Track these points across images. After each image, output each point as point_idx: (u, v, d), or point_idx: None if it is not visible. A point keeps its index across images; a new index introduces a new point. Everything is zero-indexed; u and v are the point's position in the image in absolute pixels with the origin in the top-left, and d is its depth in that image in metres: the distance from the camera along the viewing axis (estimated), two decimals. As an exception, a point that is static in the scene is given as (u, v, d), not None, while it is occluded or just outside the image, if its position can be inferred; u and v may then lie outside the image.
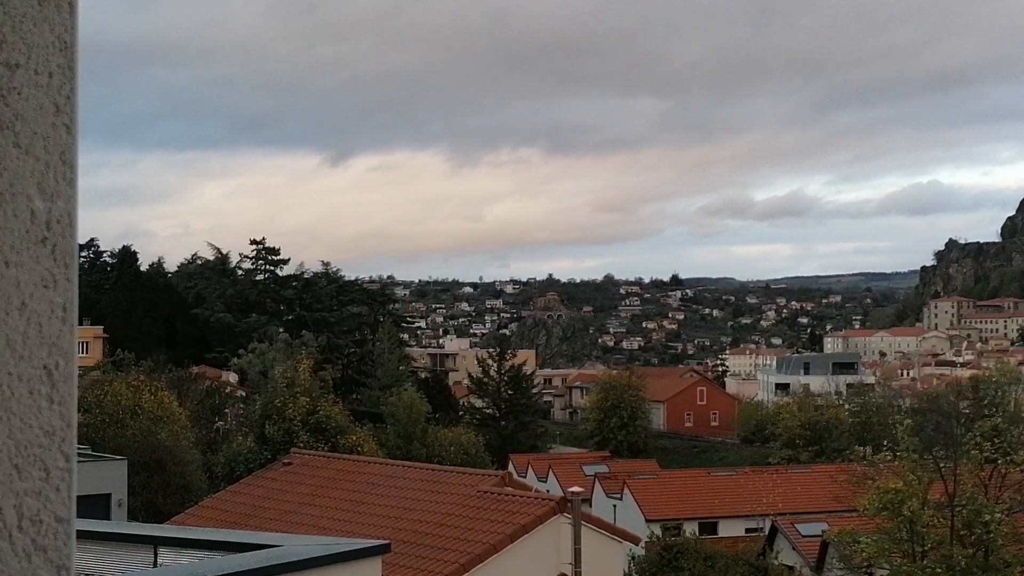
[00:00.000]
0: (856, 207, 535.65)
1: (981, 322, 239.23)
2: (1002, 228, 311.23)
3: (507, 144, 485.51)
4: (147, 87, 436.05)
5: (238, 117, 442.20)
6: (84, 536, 11.87)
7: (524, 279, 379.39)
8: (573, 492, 25.24)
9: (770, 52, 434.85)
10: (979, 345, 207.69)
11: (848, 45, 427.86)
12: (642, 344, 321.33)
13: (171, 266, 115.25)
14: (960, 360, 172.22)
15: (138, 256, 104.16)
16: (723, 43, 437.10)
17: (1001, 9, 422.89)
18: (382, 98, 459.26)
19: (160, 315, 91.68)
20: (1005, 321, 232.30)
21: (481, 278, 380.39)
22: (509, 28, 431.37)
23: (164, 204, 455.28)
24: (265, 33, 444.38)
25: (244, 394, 64.25)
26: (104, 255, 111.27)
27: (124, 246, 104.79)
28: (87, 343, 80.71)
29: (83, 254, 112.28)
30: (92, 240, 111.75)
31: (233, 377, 74.83)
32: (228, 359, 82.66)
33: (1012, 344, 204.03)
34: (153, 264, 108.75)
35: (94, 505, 30.23)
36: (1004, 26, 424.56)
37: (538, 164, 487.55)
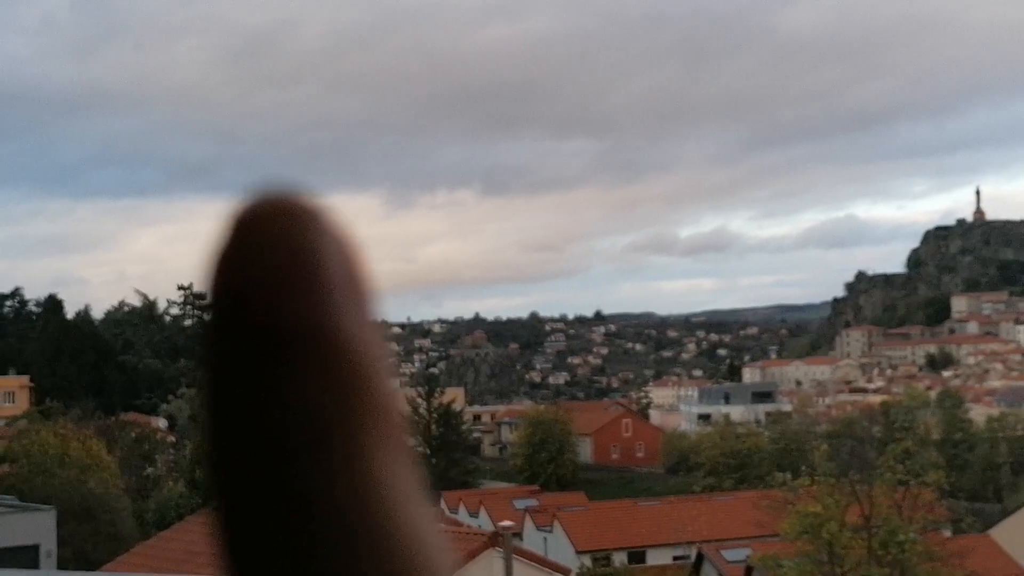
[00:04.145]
0: (776, 242, 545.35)
1: (891, 349, 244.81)
2: (907, 259, 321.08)
3: (443, 186, 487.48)
4: (87, 135, 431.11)
5: (178, 164, 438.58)
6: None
7: (452, 318, 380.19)
8: (504, 526, 25.87)
9: (700, 94, 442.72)
10: (889, 372, 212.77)
11: (775, 87, 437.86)
12: (568, 379, 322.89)
13: (99, 313, 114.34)
14: (872, 387, 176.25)
15: (63, 304, 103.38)
16: (656, 86, 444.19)
17: (918, 51, 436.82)
18: (322, 143, 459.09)
19: (87, 363, 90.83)
20: (913, 348, 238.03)
21: (409, 318, 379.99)
22: (448, 74, 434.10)
23: (99, 251, 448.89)
24: (208, 80, 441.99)
25: (174, 440, 63.91)
26: (29, 304, 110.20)
27: (50, 295, 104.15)
28: (13, 392, 79.53)
29: (8, 303, 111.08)
30: (17, 289, 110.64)
31: (163, 423, 74.28)
32: (157, 405, 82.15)
33: (920, 370, 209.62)
34: (79, 312, 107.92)
35: (23, 556, 30.09)
36: (921, 67, 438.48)
37: (472, 205, 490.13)
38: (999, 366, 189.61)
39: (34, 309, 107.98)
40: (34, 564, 30.57)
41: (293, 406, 0.66)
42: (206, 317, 0.67)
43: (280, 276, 0.67)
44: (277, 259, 0.68)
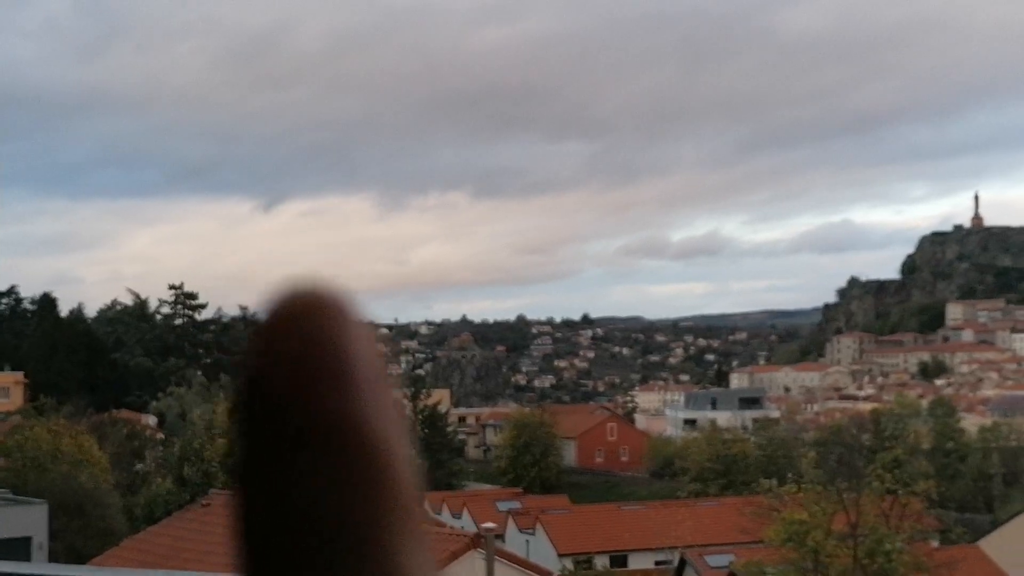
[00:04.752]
0: (769, 246, 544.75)
1: (882, 357, 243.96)
2: (901, 265, 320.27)
3: (436, 188, 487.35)
4: (88, 137, 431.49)
5: (176, 165, 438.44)
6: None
7: (439, 320, 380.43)
8: (487, 528, 26.10)
9: (697, 96, 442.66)
10: (880, 379, 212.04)
11: (772, 89, 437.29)
12: (554, 382, 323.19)
13: (92, 312, 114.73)
14: (862, 394, 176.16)
15: (57, 302, 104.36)
16: (652, 88, 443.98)
17: (919, 54, 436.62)
18: (317, 144, 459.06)
19: (80, 360, 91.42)
20: (905, 356, 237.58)
21: (397, 319, 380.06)
22: (444, 75, 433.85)
23: (96, 251, 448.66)
24: (207, 82, 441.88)
25: (163, 437, 64.14)
26: (24, 302, 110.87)
27: (44, 293, 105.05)
28: (7, 388, 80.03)
29: (3, 301, 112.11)
30: (12, 287, 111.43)
31: (152, 420, 74.49)
32: (147, 403, 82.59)
33: (912, 378, 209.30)
34: (73, 310, 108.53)
35: (15, 548, 30.27)
36: (921, 70, 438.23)
37: (465, 208, 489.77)
38: (993, 375, 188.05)
39: (29, 307, 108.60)
40: (26, 556, 30.74)
41: (319, 497, 0.69)
42: (235, 409, 0.71)
43: (308, 371, 0.71)
44: (304, 354, 0.71)
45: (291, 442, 0.70)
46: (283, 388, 0.71)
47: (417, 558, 0.71)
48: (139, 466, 54.26)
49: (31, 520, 32.68)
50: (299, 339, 0.72)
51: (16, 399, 73.60)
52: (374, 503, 0.71)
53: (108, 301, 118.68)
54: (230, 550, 0.66)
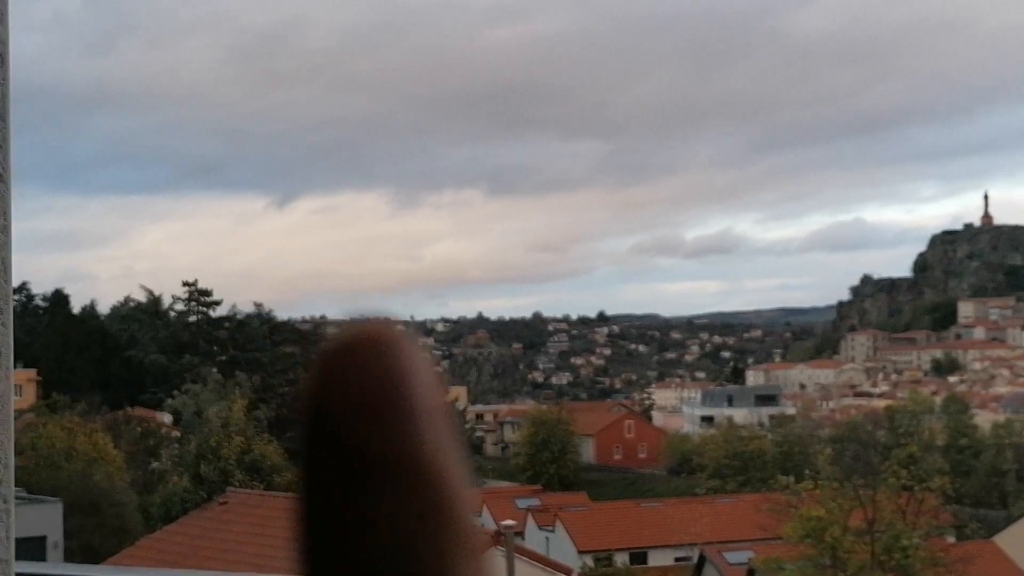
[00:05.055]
0: (783, 244, 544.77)
1: (895, 354, 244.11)
2: (913, 264, 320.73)
3: (450, 186, 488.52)
4: (98, 132, 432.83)
5: (187, 162, 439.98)
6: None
7: (455, 317, 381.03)
8: (506, 525, 25.98)
9: (709, 97, 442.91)
10: (894, 376, 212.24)
11: (784, 90, 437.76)
12: (571, 379, 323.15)
13: (105, 308, 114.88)
14: (876, 391, 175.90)
15: (69, 299, 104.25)
16: (664, 88, 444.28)
17: (929, 55, 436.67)
18: (330, 142, 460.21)
19: (93, 357, 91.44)
20: (918, 353, 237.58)
21: (412, 317, 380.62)
22: (456, 74, 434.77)
23: (107, 247, 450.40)
24: (218, 80, 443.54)
25: (179, 435, 64.18)
26: (36, 298, 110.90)
27: (56, 289, 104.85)
28: (21, 386, 79.81)
29: (16, 298, 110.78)
30: (24, 284, 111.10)
31: (167, 418, 74.53)
32: (162, 400, 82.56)
33: (925, 375, 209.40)
34: (86, 307, 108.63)
35: (30, 547, 30.25)
36: (931, 71, 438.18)
37: (479, 205, 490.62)
38: (1005, 372, 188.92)
39: (41, 303, 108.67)
40: (41, 555, 30.73)
41: (381, 530, 0.71)
42: (297, 437, 0.73)
43: (368, 405, 0.73)
44: (365, 389, 0.73)
45: (355, 476, 0.72)
46: (347, 422, 0.73)
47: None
48: (155, 464, 54.28)
49: (46, 519, 32.67)
50: (361, 373, 0.74)
51: (29, 397, 73.70)
52: (436, 532, 0.73)
53: (121, 298, 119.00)
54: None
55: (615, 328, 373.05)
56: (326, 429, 0.73)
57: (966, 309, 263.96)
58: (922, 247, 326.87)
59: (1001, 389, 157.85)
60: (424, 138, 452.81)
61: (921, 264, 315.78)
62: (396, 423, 0.73)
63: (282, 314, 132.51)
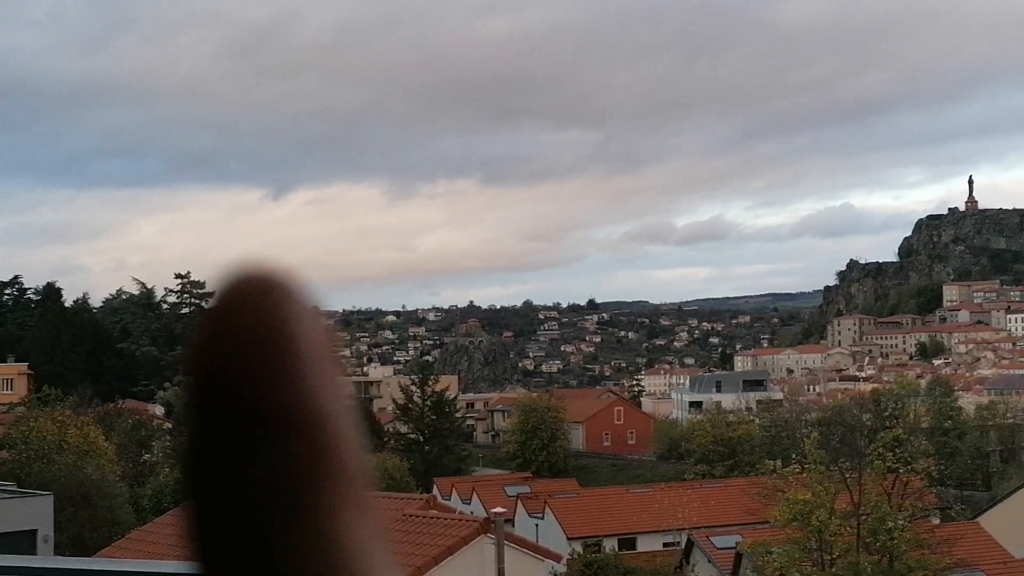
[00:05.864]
0: (772, 231, 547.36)
1: (881, 338, 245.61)
2: (899, 248, 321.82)
3: (444, 176, 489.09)
4: (91, 126, 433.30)
5: (179, 155, 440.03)
6: (9, 572, 12.46)
7: (446, 307, 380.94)
8: (496, 513, 26.17)
9: (698, 85, 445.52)
10: (880, 360, 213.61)
11: (772, 78, 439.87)
12: (561, 367, 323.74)
13: (97, 301, 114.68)
14: (863, 375, 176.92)
15: (62, 292, 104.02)
16: (653, 77, 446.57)
17: (914, 43, 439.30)
18: (323, 134, 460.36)
19: (85, 350, 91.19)
20: (904, 337, 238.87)
21: (404, 306, 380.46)
22: (448, 66, 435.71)
23: (100, 240, 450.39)
24: (211, 73, 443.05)
25: (171, 426, 64.25)
26: (28, 292, 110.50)
27: (48, 283, 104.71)
28: (11, 379, 79.81)
29: (7, 291, 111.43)
30: (16, 277, 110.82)
31: (159, 410, 74.58)
32: (154, 392, 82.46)
33: (911, 359, 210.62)
34: (78, 300, 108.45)
35: (20, 541, 30.28)
36: (917, 58, 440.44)
37: (472, 195, 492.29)
38: (990, 354, 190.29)
39: (33, 297, 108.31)
40: (31, 549, 30.77)
41: (267, 476, 0.72)
42: (186, 391, 0.72)
43: (255, 353, 0.72)
44: (252, 337, 0.73)
45: (241, 423, 0.71)
46: (233, 370, 0.72)
47: (361, 525, 0.74)
48: (146, 456, 54.32)
49: (36, 512, 32.65)
50: (249, 322, 0.73)
51: (20, 390, 73.47)
52: (321, 478, 0.73)
53: (113, 290, 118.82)
54: (181, 529, 0.67)
55: (605, 315, 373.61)
56: (213, 376, 0.73)
57: (951, 293, 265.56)
58: (908, 232, 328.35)
59: (985, 372, 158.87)
60: (417, 129, 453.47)
61: (906, 249, 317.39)
62: (283, 371, 0.73)
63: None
